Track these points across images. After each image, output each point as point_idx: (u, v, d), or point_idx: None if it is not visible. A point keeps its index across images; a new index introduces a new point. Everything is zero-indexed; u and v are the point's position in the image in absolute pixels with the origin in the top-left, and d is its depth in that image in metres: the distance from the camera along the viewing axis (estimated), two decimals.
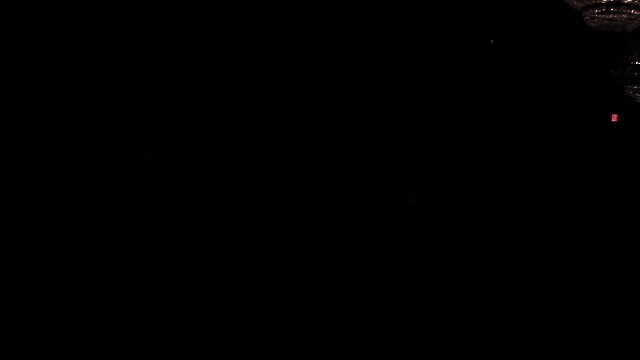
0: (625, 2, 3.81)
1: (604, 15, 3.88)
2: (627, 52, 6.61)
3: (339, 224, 9.28)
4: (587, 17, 3.99)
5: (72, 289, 7.44)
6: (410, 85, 9.74)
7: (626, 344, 5.45)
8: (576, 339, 5.84)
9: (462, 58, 9.71)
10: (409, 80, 9.71)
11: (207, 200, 9.33)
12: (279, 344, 5.86)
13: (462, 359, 5.43)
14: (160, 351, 5.82)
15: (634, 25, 4.06)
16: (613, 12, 3.87)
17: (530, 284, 7.68)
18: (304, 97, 9.65)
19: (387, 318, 6.46)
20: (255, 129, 9.57)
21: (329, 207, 9.46)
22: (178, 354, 5.75)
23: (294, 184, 9.56)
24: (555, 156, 9.99)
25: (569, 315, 6.42)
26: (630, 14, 3.88)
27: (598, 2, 3.82)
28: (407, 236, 9.16)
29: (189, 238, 8.83)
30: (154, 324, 6.47)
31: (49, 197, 8.81)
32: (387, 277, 8.01)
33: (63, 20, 8.70)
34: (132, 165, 9.32)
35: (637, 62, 6.53)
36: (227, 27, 9.24)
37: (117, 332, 6.30)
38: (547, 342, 5.61)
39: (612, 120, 10.14)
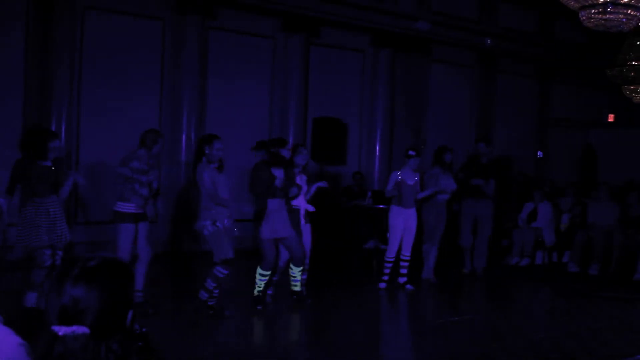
0: (622, 2, 3.82)
1: (600, 16, 3.90)
2: (624, 52, 6.60)
3: None
4: (584, 17, 4.00)
5: None
6: None
7: None
8: None
9: None
10: None
11: None
12: None
13: None
14: None
15: (631, 25, 4.07)
16: (610, 12, 3.88)
17: None
18: None
19: None
20: None
21: None
22: None
23: None
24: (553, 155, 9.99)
25: None
26: (626, 14, 3.89)
27: (595, 2, 3.84)
28: None
29: None
30: None
31: None
32: None
33: None
34: None
35: (633, 62, 6.52)
36: None
37: None
38: None
39: (609, 120, 10.14)
